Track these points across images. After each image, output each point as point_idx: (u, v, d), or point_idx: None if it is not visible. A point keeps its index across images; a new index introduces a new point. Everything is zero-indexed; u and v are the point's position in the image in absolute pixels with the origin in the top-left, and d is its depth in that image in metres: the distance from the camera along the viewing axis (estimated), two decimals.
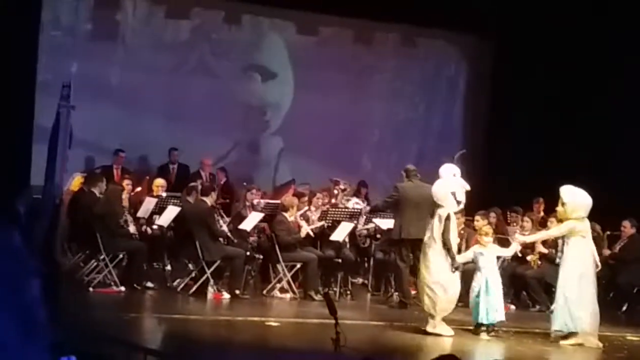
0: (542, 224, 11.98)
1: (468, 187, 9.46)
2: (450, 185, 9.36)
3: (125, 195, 11.91)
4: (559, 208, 9.43)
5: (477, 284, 9.45)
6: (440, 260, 9.24)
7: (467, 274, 11.50)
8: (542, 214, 12.75)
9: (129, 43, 15.18)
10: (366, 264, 13.12)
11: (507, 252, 10.17)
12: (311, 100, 16.07)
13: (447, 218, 9.18)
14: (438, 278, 9.21)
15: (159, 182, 12.89)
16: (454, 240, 9.41)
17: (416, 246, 10.68)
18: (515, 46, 15.67)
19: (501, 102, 16.16)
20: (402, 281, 11.18)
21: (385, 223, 12.05)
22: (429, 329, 9.26)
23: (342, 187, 13.48)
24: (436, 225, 9.23)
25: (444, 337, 9.17)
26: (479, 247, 9.63)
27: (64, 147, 9.76)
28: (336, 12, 15.54)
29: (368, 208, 12.90)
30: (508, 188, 14.08)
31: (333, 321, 3.95)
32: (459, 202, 9.34)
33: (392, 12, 15.19)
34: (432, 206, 9.51)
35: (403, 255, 11.02)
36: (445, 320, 9.36)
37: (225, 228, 11.55)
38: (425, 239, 9.41)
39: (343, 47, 16.42)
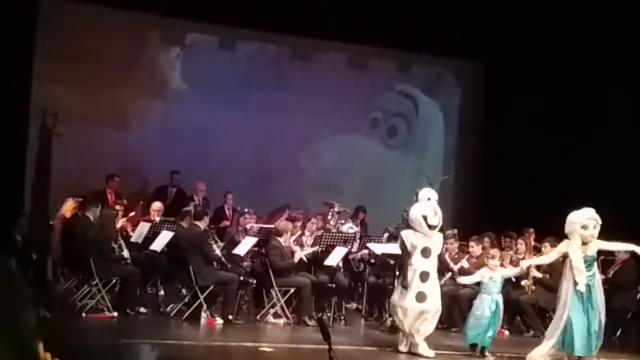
0: (536, 252, 12.00)
1: (439, 213, 9.46)
2: (423, 209, 9.41)
3: (122, 221, 11.93)
4: (594, 232, 9.17)
5: (484, 306, 9.49)
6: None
7: (461, 298, 11.52)
8: (533, 244, 12.71)
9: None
10: (360, 289, 13.10)
11: (512, 272, 10.18)
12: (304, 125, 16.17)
13: (402, 240, 9.43)
14: (403, 302, 9.33)
15: (156, 206, 12.86)
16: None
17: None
18: (510, 71, 15.74)
19: (495, 127, 16.21)
20: None
21: (380, 248, 12.04)
22: (401, 348, 9.44)
23: (336, 209, 13.45)
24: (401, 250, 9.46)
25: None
26: (488, 271, 9.66)
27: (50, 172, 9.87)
28: (330, 37, 15.63)
29: (355, 230, 12.96)
30: (502, 213, 14.07)
31: (327, 346, 3.94)
32: (430, 227, 9.35)
33: (386, 38, 15.28)
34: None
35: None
36: (439, 345, 9.37)
37: (218, 252, 11.52)
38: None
39: (337, 73, 16.51)
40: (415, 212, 9.45)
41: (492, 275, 9.62)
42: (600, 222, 9.20)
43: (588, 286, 9.14)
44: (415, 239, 9.39)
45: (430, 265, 9.43)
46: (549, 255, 10.12)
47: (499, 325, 9.79)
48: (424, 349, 9.36)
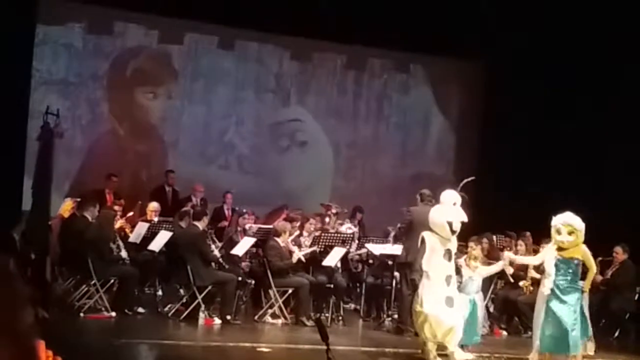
0: (535, 254, 11.97)
1: (465, 219, 9.15)
2: (449, 213, 9.12)
3: (120, 221, 11.94)
4: (567, 237, 8.89)
5: (464, 306, 9.40)
6: (431, 290, 9.08)
7: None
8: (532, 246, 12.66)
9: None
10: (358, 290, 13.09)
11: (494, 269, 10.07)
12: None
13: (423, 241, 9.16)
14: (432, 308, 9.04)
15: (153, 206, 12.84)
16: (438, 263, 9.22)
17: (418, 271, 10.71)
18: (508, 71, 15.74)
19: (493, 128, 16.21)
20: (403, 307, 10.96)
21: (378, 248, 12.04)
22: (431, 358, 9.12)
23: (334, 210, 13.44)
24: (423, 252, 9.17)
25: None
26: (468, 270, 9.62)
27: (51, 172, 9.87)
28: (330, 38, 15.64)
29: (354, 231, 12.93)
30: (498, 213, 14.08)
31: (325, 347, 3.94)
32: (453, 232, 9.10)
33: (385, 38, 15.29)
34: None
35: (409, 281, 10.84)
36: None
37: (217, 253, 11.52)
38: (418, 266, 9.36)
39: (336, 73, 16.53)
40: (440, 217, 9.11)
41: (471, 275, 9.57)
42: (580, 229, 8.90)
43: (560, 289, 8.91)
44: (436, 241, 9.13)
45: (452, 268, 9.24)
46: (537, 256, 10.02)
47: (480, 325, 9.67)
48: (460, 354, 9.12)
